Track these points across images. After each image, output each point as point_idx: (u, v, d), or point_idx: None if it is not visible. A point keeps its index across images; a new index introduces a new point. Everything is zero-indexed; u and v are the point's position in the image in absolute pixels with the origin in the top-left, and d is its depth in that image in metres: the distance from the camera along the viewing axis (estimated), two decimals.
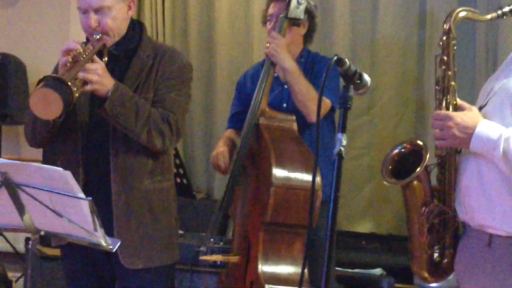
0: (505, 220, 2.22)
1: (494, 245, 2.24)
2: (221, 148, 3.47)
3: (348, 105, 1.98)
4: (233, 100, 3.78)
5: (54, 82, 2.42)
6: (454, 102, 2.33)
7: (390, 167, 2.42)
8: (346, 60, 2.01)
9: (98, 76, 2.61)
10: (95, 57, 2.65)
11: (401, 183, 2.37)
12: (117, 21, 2.77)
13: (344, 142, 1.89)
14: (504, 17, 2.37)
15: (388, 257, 4.47)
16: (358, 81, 2.02)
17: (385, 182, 2.42)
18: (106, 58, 2.73)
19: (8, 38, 5.65)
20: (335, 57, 1.96)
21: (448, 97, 2.32)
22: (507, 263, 2.22)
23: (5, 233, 5.36)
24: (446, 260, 2.39)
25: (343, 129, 1.91)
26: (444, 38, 2.36)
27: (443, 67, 2.35)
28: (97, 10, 2.73)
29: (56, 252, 4.06)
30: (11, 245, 5.39)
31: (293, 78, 3.34)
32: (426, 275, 2.43)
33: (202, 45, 5.30)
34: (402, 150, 2.45)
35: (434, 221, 2.35)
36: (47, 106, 2.42)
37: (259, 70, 3.61)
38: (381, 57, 4.85)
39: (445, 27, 2.36)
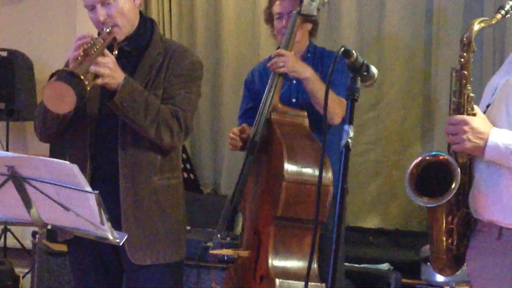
0: None
1: (504, 237, 2.24)
2: (241, 127, 3.45)
3: (355, 97, 1.97)
4: (242, 98, 3.76)
5: (67, 76, 2.42)
6: (473, 112, 2.29)
7: (413, 184, 2.32)
8: (353, 51, 2.00)
9: (109, 70, 2.61)
10: (106, 51, 2.65)
11: (434, 204, 2.26)
12: (124, 11, 2.76)
13: (351, 134, 1.88)
14: (508, 15, 2.35)
15: (395, 252, 4.48)
16: (365, 73, 2.01)
17: (417, 202, 2.31)
18: (116, 52, 2.73)
19: (15, 35, 5.67)
20: (342, 49, 1.95)
21: (469, 109, 2.28)
22: None
23: (13, 229, 5.38)
24: (460, 251, 2.38)
25: (350, 121, 1.90)
26: (465, 54, 2.31)
27: (464, 81, 2.30)
28: (102, 3, 2.73)
29: (63, 247, 4.06)
30: (19, 241, 5.41)
31: (314, 86, 3.33)
32: (449, 272, 2.40)
33: (209, 42, 5.31)
34: (423, 162, 2.35)
35: (458, 226, 2.32)
36: (60, 100, 2.42)
37: (266, 68, 3.61)
38: (388, 52, 4.84)
39: (464, 40, 2.31)
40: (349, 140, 1.87)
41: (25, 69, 5.38)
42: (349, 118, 1.91)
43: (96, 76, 2.60)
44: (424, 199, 2.28)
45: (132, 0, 2.81)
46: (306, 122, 3.37)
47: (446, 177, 2.25)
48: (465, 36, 2.30)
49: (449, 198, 2.24)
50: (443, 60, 4.67)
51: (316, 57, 3.59)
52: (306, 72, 3.34)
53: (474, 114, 2.27)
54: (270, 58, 3.66)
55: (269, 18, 3.63)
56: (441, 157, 2.28)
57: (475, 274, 2.35)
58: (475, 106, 2.29)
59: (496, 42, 4.48)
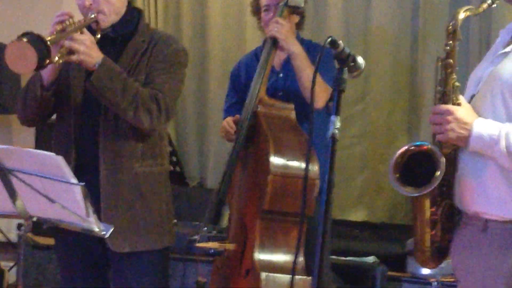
0: (500, 205, 2.21)
1: (490, 229, 2.24)
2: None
3: (342, 88, 1.97)
4: (227, 90, 3.76)
5: (33, 37, 2.42)
6: (458, 102, 2.29)
7: (397, 174, 2.33)
8: (340, 42, 1.99)
9: (85, 47, 2.62)
10: (85, 30, 2.66)
11: (417, 194, 2.25)
12: None
13: (338, 125, 1.88)
14: (494, 4, 2.35)
15: (381, 245, 4.49)
16: (352, 64, 2.01)
17: (402, 192, 2.30)
18: (98, 36, 2.73)
19: None
20: (329, 39, 1.95)
21: (454, 98, 2.28)
22: (501, 247, 2.21)
23: None
24: (444, 244, 2.38)
25: (336, 112, 1.90)
26: (450, 42, 2.31)
27: (449, 70, 2.30)
28: None
29: (49, 241, 4.06)
30: (4, 235, 5.37)
31: (301, 63, 3.32)
32: (433, 264, 2.39)
33: (195, 34, 5.30)
34: (407, 152, 2.34)
35: (442, 217, 2.32)
36: (21, 60, 2.42)
37: (252, 60, 3.60)
38: (375, 45, 4.85)
39: (449, 28, 2.31)
40: (336, 131, 1.87)
41: None
42: (335, 109, 1.91)
43: (72, 52, 2.60)
44: (408, 189, 2.26)
45: None
46: (293, 114, 3.36)
47: (430, 167, 2.24)
48: (450, 24, 2.29)
49: (433, 187, 2.23)
50: (429, 53, 4.69)
51: (303, 49, 3.58)
52: (296, 47, 3.34)
53: (459, 104, 2.26)
54: (257, 50, 3.66)
55: (256, 10, 3.62)
56: (425, 147, 2.28)
57: (460, 267, 2.35)
58: (460, 96, 2.29)
59: (482, 33, 4.51)
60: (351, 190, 4.87)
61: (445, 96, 2.27)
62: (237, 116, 3.42)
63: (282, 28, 3.32)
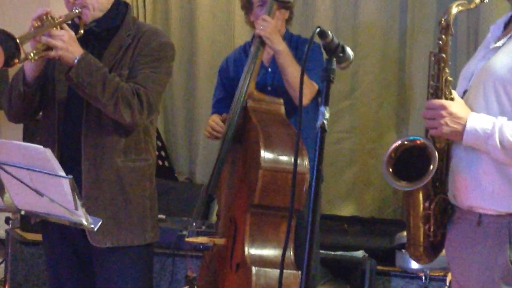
0: (494, 199, 2.21)
1: (484, 224, 2.24)
2: (217, 118, 3.46)
3: (331, 78, 1.96)
4: (216, 86, 3.76)
5: (2, 36, 2.40)
6: (451, 97, 2.30)
7: (390, 169, 2.33)
8: (329, 32, 1.99)
9: (63, 42, 2.59)
10: (64, 25, 2.64)
11: (411, 188, 2.26)
12: None
13: (327, 115, 1.87)
14: (486, 0, 2.35)
15: (370, 239, 4.50)
16: (341, 54, 2.01)
17: (394, 186, 2.31)
18: (81, 31, 2.72)
19: None
20: (318, 29, 1.94)
21: (446, 93, 2.29)
22: (496, 242, 2.21)
23: None
24: (437, 239, 2.39)
25: (325, 102, 1.90)
26: (443, 36, 2.31)
27: (442, 64, 2.30)
28: None
29: (37, 237, 4.04)
30: None
31: (285, 61, 3.35)
32: (426, 259, 2.39)
33: (183, 29, 5.29)
34: (400, 147, 2.35)
35: (435, 212, 2.32)
36: None
37: (241, 55, 3.60)
38: (363, 40, 4.85)
39: (442, 23, 2.31)
40: (325, 121, 1.86)
41: None
42: (324, 100, 1.90)
43: (50, 48, 2.58)
44: (402, 183, 2.27)
45: None
46: (282, 109, 3.36)
47: (423, 162, 2.24)
48: (443, 18, 2.29)
49: (426, 181, 2.23)
50: (418, 48, 4.70)
51: (291, 44, 3.58)
52: (280, 45, 3.35)
53: (452, 99, 2.27)
54: (245, 45, 3.65)
55: (248, 6, 3.61)
56: (418, 141, 2.28)
57: (455, 262, 2.34)
58: (453, 91, 2.30)
59: (470, 29, 4.51)
60: (340, 185, 4.88)
61: (438, 90, 2.27)
62: (225, 115, 3.42)
63: (267, 27, 3.33)
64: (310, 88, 3.34)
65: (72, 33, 2.64)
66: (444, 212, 2.35)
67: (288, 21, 3.67)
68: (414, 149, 2.29)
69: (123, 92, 2.69)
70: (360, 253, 4.34)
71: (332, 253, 4.32)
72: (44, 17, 2.58)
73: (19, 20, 5.44)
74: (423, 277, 3.81)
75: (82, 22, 2.74)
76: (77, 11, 2.71)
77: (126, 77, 2.76)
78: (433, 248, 2.39)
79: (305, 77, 3.24)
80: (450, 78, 2.28)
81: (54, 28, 2.59)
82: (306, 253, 1.91)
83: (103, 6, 2.80)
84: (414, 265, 3.69)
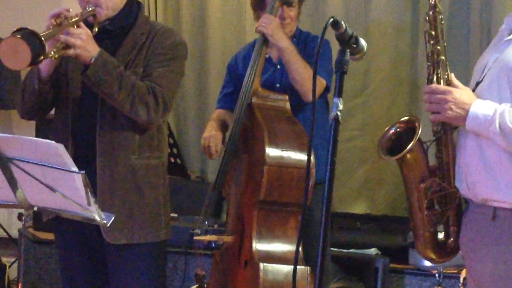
0: (509, 191, 2.20)
1: (499, 218, 2.22)
2: (213, 131, 3.46)
3: (344, 69, 1.95)
4: (224, 81, 3.76)
5: (27, 34, 2.41)
6: (446, 77, 2.31)
7: (387, 146, 2.40)
8: (342, 22, 1.98)
9: (81, 41, 2.60)
10: (81, 24, 2.64)
11: (396, 158, 2.35)
12: None
13: (341, 107, 1.86)
14: None
15: (382, 237, 4.48)
16: (355, 45, 1.99)
17: (381, 160, 2.41)
18: (96, 29, 2.72)
19: None
20: (331, 19, 1.93)
21: (439, 72, 2.30)
22: (511, 235, 2.21)
23: None
24: (451, 239, 2.38)
25: (339, 94, 1.89)
26: (431, 12, 2.34)
27: (432, 41, 2.33)
28: None
29: (50, 236, 4.05)
30: (5, 230, 5.37)
31: (290, 57, 3.33)
32: (432, 255, 2.41)
33: (194, 28, 5.29)
34: (398, 129, 2.43)
35: (432, 197, 2.33)
36: (15, 56, 2.40)
37: (250, 51, 3.59)
38: (375, 38, 4.83)
39: (431, 2, 2.34)
40: (339, 113, 1.85)
41: None
42: (338, 91, 1.89)
43: (68, 46, 2.59)
44: (387, 157, 2.37)
45: None
46: (288, 105, 3.37)
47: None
48: None
49: (404, 153, 2.29)
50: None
51: (300, 41, 3.58)
52: (284, 42, 3.34)
53: (447, 78, 2.29)
54: (254, 42, 3.65)
55: (261, 5, 3.60)
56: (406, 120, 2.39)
57: (470, 256, 2.33)
58: (451, 74, 2.31)
59: (483, 23, 4.50)
60: (352, 183, 4.87)
61: (432, 69, 2.29)
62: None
63: (270, 24, 3.32)
64: (317, 84, 3.31)
65: (89, 31, 2.65)
66: (445, 200, 2.35)
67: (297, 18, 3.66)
68: (408, 131, 2.37)
69: (139, 90, 2.70)
70: (373, 251, 4.32)
71: (345, 250, 4.30)
72: (63, 15, 2.59)
73: (33, 19, 5.52)
74: (437, 275, 3.79)
75: (96, 20, 2.74)
76: (91, 9, 2.72)
77: (140, 75, 2.77)
78: (448, 249, 2.38)
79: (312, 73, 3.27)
80: (442, 57, 2.29)
81: (73, 26, 2.60)
82: (320, 249, 1.91)
83: (116, 5, 2.81)
84: (428, 262, 3.67)
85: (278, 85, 3.53)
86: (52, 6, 5.43)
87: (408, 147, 2.30)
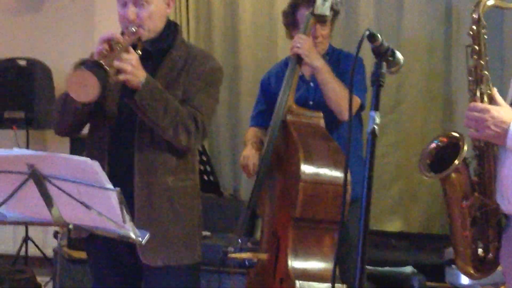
0: None
1: None
2: (252, 150, 3.47)
3: (381, 82, 1.93)
4: (257, 98, 3.77)
5: (93, 65, 2.44)
6: (489, 92, 2.28)
7: (428, 161, 2.37)
8: (378, 35, 1.96)
9: (132, 67, 2.61)
10: (130, 48, 2.66)
11: (439, 176, 2.32)
12: (154, 16, 2.78)
13: (378, 120, 1.84)
14: None
15: (418, 255, 4.43)
16: (391, 58, 1.98)
17: (424, 177, 2.37)
18: (140, 52, 2.73)
19: (33, 43, 5.70)
20: (367, 32, 1.91)
21: (482, 87, 2.27)
22: None
23: (34, 238, 5.39)
24: (491, 255, 2.34)
25: (376, 107, 1.87)
26: (474, 27, 2.31)
27: (475, 56, 2.30)
28: (136, 2, 2.74)
29: (84, 255, 4.05)
30: (40, 250, 5.41)
31: (325, 77, 3.34)
32: (471, 271, 2.37)
33: (226, 45, 5.32)
34: (439, 144, 2.40)
35: (476, 214, 2.29)
36: (83, 88, 2.43)
37: (283, 68, 3.59)
38: (407, 54, 4.78)
39: (474, 16, 2.31)
40: (376, 127, 1.83)
41: (44, 78, 5.41)
42: (375, 104, 1.87)
43: (118, 71, 2.60)
44: (431, 174, 2.34)
45: (164, 8, 2.83)
46: (322, 122, 3.36)
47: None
48: (474, 11, 2.31)
49: (449, 172, 2.25)
50: (463, 61, 4.61)
51: (333, 59, 3.58)
52: (318, 61, 3.35)
53: (489, 94, 2.24)
54: (287, 59, 3.65)
55: (292, 23, 3.60)
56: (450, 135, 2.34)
57: (510, 273, 2.30)
58: (494, 89, 2.28)
59: None
60: (386, 200, 4.83)
61: (475, 85, 2.26)
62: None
63: (304, 44, 3.33)
64: (352, 103, 3.28)
65: (137, 56, 2.66)
66: (486, 217, 2.31)
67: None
68: (450, 147, 2.33)
69: (182, 116, 2.71)
70: (408, 269, 4.27)
71: (380, 268, 4.26)
72: (113, 40, 2.61)
73: (66, 39, 5.60)
74: None
75: (140, 43, 2.76)
76: (133, 29, 2.73)
77: (179, 98, 2.78)
78: (487, 263, 2.34)
79: (348, 91, 3.26)
80: (485, 72, 2.26)
81: (123, 51, 2.62)
82: (359, 267, 1.88)
83: (158, 28, 2.83)
84: (465, 280, 3.63)
85: (311, 102, 3.53)
86: (84, 25, 5.55)
87: (453, 166, 2.26)
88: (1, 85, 5.37)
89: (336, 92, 3.33)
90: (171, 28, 2.89)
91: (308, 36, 3.39)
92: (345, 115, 3.33)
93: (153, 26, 2.79)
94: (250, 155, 3.45)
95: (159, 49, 2.84)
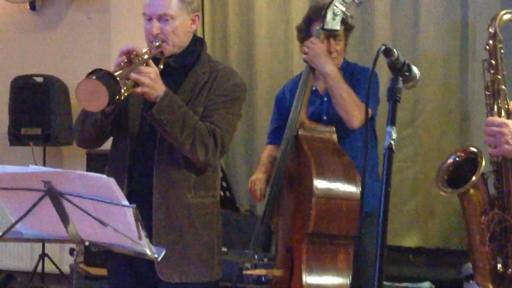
0: None
1: None
2: (260, 174, 3.47)
3: (397, 98, 1.92)
4: (272, 114, 3.76)
5: (104, 75, 2.43)
6: (506, 106, 2.26)
7: (446, 177, 2.35)
8: (394, 50, 1.95)
9: (150, 80, 2.61)
10: (150, 62, 2.66)
11: (458, 192, 2.30)
12: (178, 32, 2.78)
13: (394, 135, 1.83)
14: None
15: (436, 270, 4.41)
16: (407, 73, 1.96)
17: (441, 193, 2.35)
18: (161, 66, 2.74)
19: (50, 60, 5.74)
20: (383, 47, 1.91)
21: (499, 102, 2.26)
22: None
23: (50, 254, 5.39)
24: (510, 270, 2.32)
25: (392, 122, 1.85)
26: (491, 41, 2.31)
27: (492, 71, 2.28)
28: (160, 18, 2.75)
29: (101, 271, 4.07)
30: (56, 266, 5.42)
31: (334, 83, 3.31)
32: (490, 286, 2.35)
33: (242, 61, 5.33)
34: (456, 159, 2.38)
35: (495, 230, 2.27)
36: (92, 98, 2.42)
37: (297, 83, 3.59)
38: (423, 68, 4.78)
39: (490, 30, 2.31)
40: (392, 142, 1.82)
41: (61, 94, 5.44)
42: (391, 120, 1.86)
43: (136, 84, 2.60)
44: (449, 190, 2.32)
45: (189, 24, 2.83)
46: (335, 137, 3.35)
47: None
48: (490, 25, 2.28)
49: (466, 188, 2.23)
50: (479, 75, 4.59)
51: (347, 72, 3.56)
52: (327, 67, 3.32)
53: (507, 108, 2.24)
54: (301, 74, 3.65)
55: (306, 38, 3.59)
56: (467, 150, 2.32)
57: None
58: (510, 102, 2.26)
59: None
60: (403, 215, 4.80)
61: (492, 99, 2.24)
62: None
63: (312, 48, 3.31)
64: (361, 110, 3.26)
65: (156, 69, 2.66)
66: (505, 233, 2.29)
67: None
68: (467, 162, 2.32)
69: (200, 132, 2.71)
70: (427, 285, 4.25)
71: (398, 284, 4.23)
72: (133, 53, 2.61)
73: (82, 55, 5.63)
74: None
75: (163, 57, 2.76)
76: (157, 43, 2.74)
77: (200, 115, 2.77)
78: (506, 281, 2.32)
79: (357, 99, 3.25)
80: (502, 87, 2.24)
81: (142, 64, 2.62)
82: (376, 284, 1.86)
83: (183, 43, 2.83)
84: None
85: (325, 117, 3.51)
86: (102, 41, 5.58)
87: (471, 182, 2.24)
88: (18, 102, 5.41)
89: (344, 98, 3.29)
90: (196, 44, 2.89)
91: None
92: (352, 122, 3.30)
93: (177, 41, 2.79)
94: (257, 179, 3.44)
95: (183, 64, 2.84)
